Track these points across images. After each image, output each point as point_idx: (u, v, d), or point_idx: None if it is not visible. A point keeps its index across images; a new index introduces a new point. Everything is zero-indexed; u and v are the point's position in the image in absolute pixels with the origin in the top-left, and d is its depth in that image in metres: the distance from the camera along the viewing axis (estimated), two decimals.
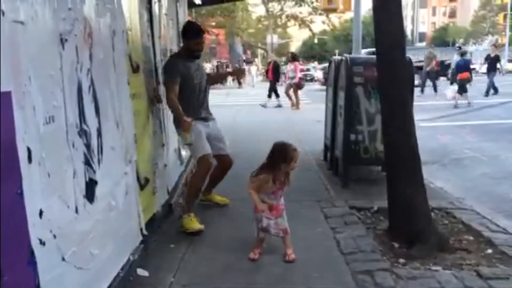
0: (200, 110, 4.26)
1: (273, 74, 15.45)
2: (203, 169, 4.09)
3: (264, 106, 14.60)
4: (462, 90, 13.66)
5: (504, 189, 5.36)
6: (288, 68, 14.85)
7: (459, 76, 14.05)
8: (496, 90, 16.34)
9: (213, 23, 32.62)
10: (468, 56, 16.42)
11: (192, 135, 3.99)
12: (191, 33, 4.26)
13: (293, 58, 15.03)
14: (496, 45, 19.67)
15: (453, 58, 16.46)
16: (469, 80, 13.94)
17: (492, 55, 17.46)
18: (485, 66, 18.14)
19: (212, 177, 4.46)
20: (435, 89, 16.57)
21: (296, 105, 14.15)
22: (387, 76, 3.68)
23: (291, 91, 14.42)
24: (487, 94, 16.06)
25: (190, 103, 4.15)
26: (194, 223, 3.90)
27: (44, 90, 1.94)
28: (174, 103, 4.02)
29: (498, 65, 17.48)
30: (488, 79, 16.50)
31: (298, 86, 14.31)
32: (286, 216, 3.38)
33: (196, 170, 4.22)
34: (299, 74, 14.48)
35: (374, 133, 5.06)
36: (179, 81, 4.06)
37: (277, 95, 15.06)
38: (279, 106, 14.56)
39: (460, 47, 19.58)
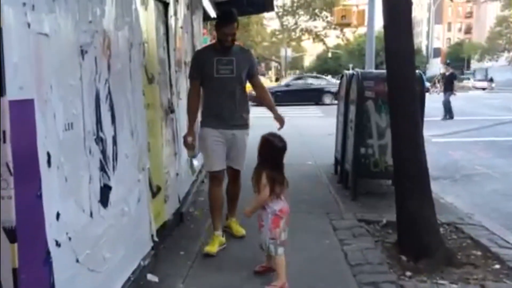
0: (217, 111, 3.75)
1: None
2: (210, 184, 3.93)
3: None
4: None
5: None
6: None
7: None
8: (451, 115, 14.75)
9: None
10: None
11: (194, 152, 3.96)
12: (217, 22, 3.86)
13: None
14: (449, 64, 17.62)
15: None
16: None
17: (447, 73, 16.21)
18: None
19: (228, 194, 4.05)
20: None
21: None
22: (397, 91, 3.73)
23: None
24: (445, 116, 14.66)
25: (209, 101, 3.83)
26: (211, 245, 3.68)
27: (65, 98, 2.04)
28: (189, 107, 3.85)
29: (453, 84, 15.49)
30: (443, 100, 15.08)
31: None
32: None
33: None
34: None
35: (384, 147, 5.09)
36: (199, 75, 3.78)
37: None
38: None
39: (448, 63, 17.99)
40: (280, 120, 3.93)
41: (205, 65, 3.75)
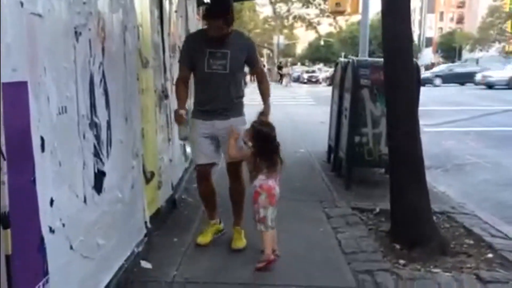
0: (208, 107, 3.40)
1: None
2: (197, 178, 3.73)
3: None
4: None
5: (506, 195, 5.38)
6: None
7: None
8: None
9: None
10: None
11: (186, 131, 3.51)
12: (205, 13, 3.42)
13: None
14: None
15: None
16: None
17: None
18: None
19: (229, 194, 3.68)
20: None
21: None
22: (393, 80, 3.70)
23: None
24: None
25: (199, 95, 3.49)
26: (202, 235, 3.64)
27: (58, 81, 1.99)
28: (176, 89, 3.53)
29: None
30: None
31: None
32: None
33: None
34: None
35: (379, 136, 5.08)
36: (189, 63, 3.42)
37: None
38: None
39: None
40: (265, 117, 3.46)
41: (196, 56, 3.35)
